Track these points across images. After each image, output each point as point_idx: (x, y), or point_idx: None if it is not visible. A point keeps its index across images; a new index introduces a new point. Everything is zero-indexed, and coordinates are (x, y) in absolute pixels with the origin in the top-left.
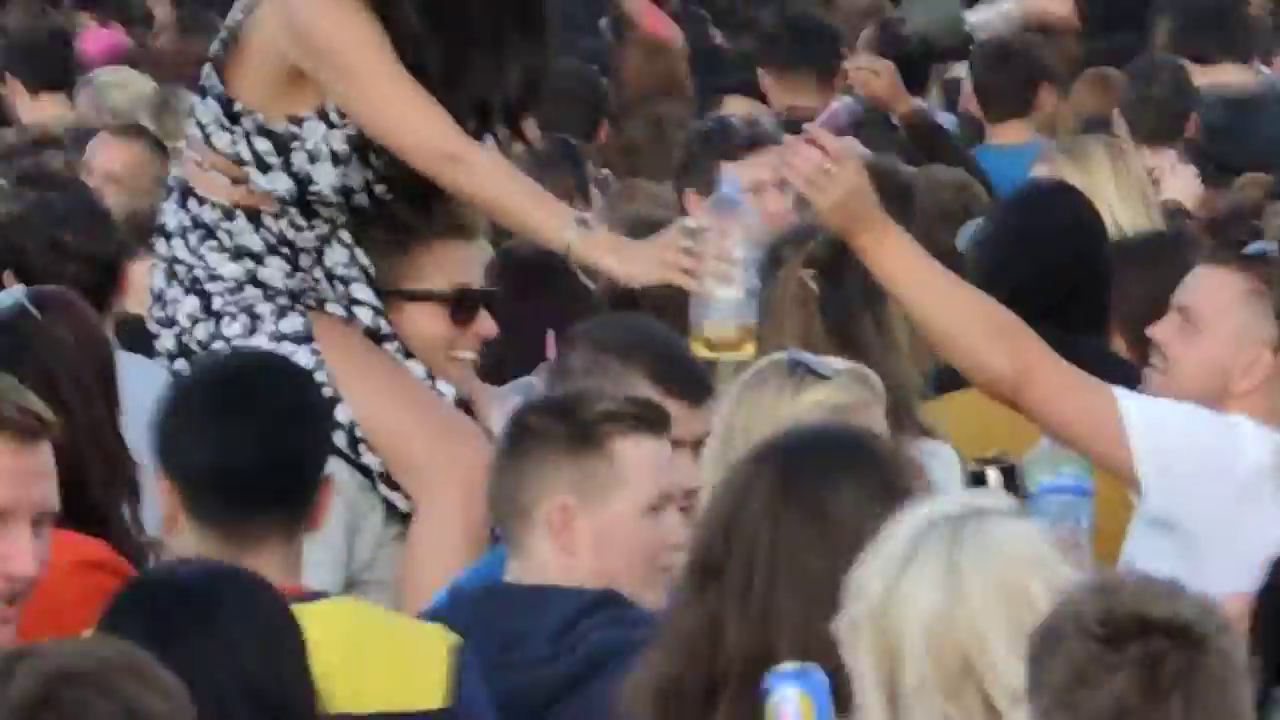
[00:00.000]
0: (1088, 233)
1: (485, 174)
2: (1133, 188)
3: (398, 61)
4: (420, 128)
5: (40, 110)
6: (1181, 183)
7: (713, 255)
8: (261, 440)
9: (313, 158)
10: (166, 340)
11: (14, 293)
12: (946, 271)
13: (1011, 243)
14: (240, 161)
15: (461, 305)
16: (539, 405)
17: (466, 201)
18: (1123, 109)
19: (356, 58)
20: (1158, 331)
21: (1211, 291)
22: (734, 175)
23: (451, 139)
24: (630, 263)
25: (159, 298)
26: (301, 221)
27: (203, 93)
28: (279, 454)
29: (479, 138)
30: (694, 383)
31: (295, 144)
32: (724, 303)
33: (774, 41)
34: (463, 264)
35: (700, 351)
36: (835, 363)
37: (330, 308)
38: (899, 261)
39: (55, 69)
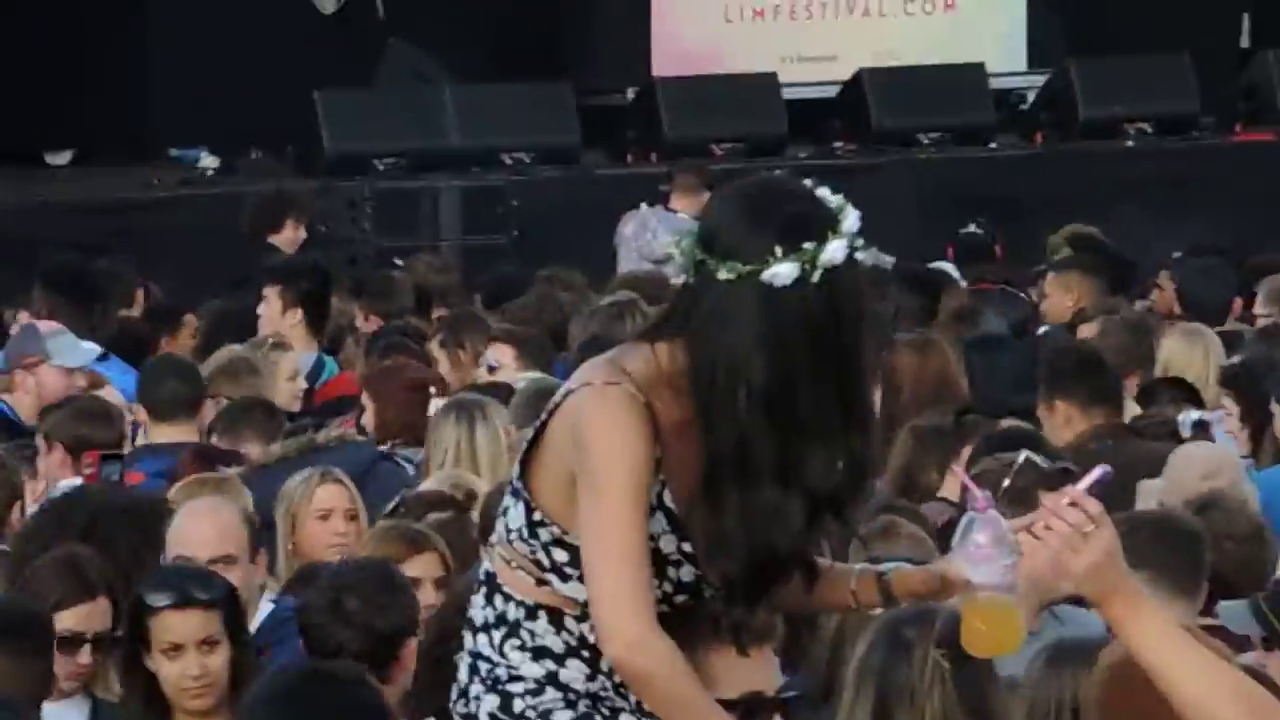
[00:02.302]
0: None
1: (659, 665)
2: None
3: (645, 510)
4: (616, 590)
5: None
6: None
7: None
8: None
9: None
10: None
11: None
12: (1199, 645)
13: None
14: (541, 567)
15: (752, 713)
16: None
17: (638, 682)
18: None
19: (605, 481)
20: None
21: None
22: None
23: (637, 620)
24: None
25: (463, 693)
26: None
27: (514, 492)
28: None
29: (809, 532)
30: None
31: None
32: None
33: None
34: (755, 669)
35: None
36: None
37: (625, 717)
38: (1150, 633)
39: None
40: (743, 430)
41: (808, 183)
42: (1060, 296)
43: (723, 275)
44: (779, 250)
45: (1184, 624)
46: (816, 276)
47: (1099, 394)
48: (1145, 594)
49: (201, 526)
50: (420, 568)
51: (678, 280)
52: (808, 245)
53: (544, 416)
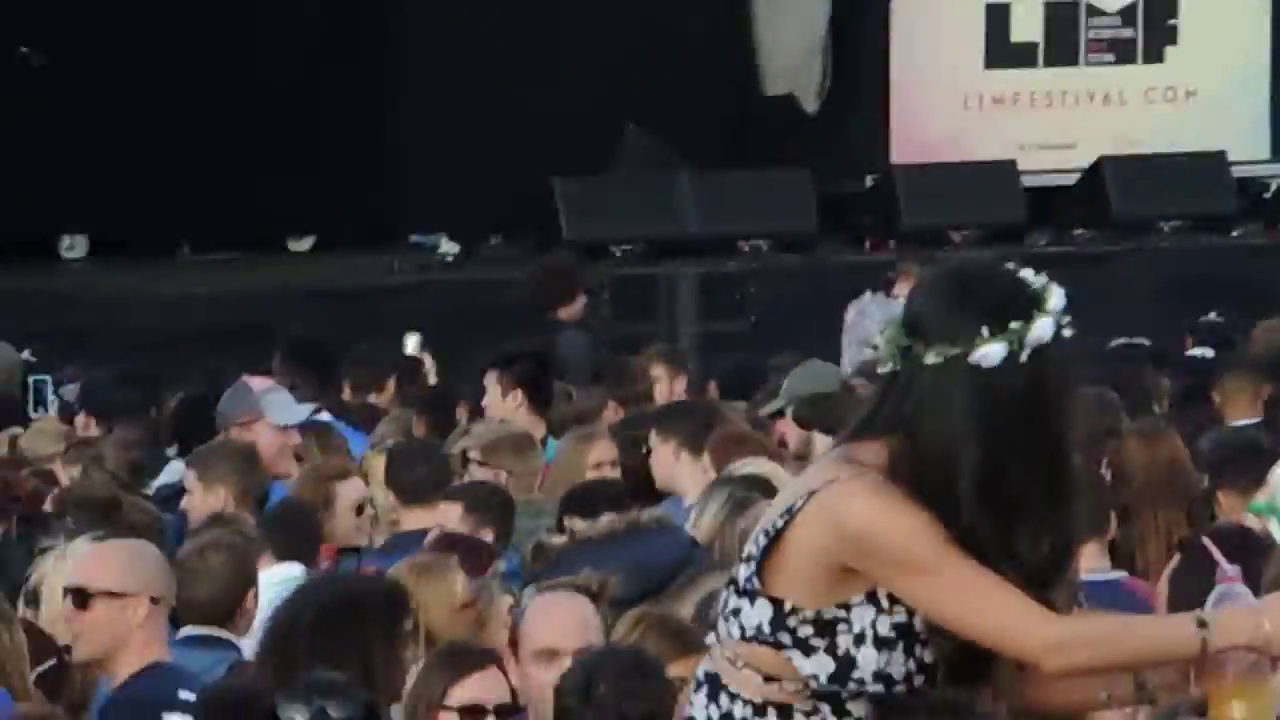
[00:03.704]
0: None
1: (1087, 643)
2: None
3: (962, 552)
4: (1017, 619)
5: None
6: None
7: None
8: None
9: (859, 640)
10: None
11: None
12: None
13: None
14: (780, 645)
15: None
16: None
17: (1081, 676)
18: None
19: (924, 554)
20: None
21: None
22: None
23: (1045, 626)
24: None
25: None
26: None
27: (747, 594)
28: None
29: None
30: None
31: (842, 627)
32: None
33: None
34: None
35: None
36: None
37: None
38: None
39: None
40: (965, 514)
41: (1010, 265)
42: None
43: (930, 360)
44: (986, 331)
45: None
46: (1025, 356)
47: None
48: None
49: (561, 616)
50: (685, 669)
51: (884, 369)
52: (1015, 325)
53: (779, 522)
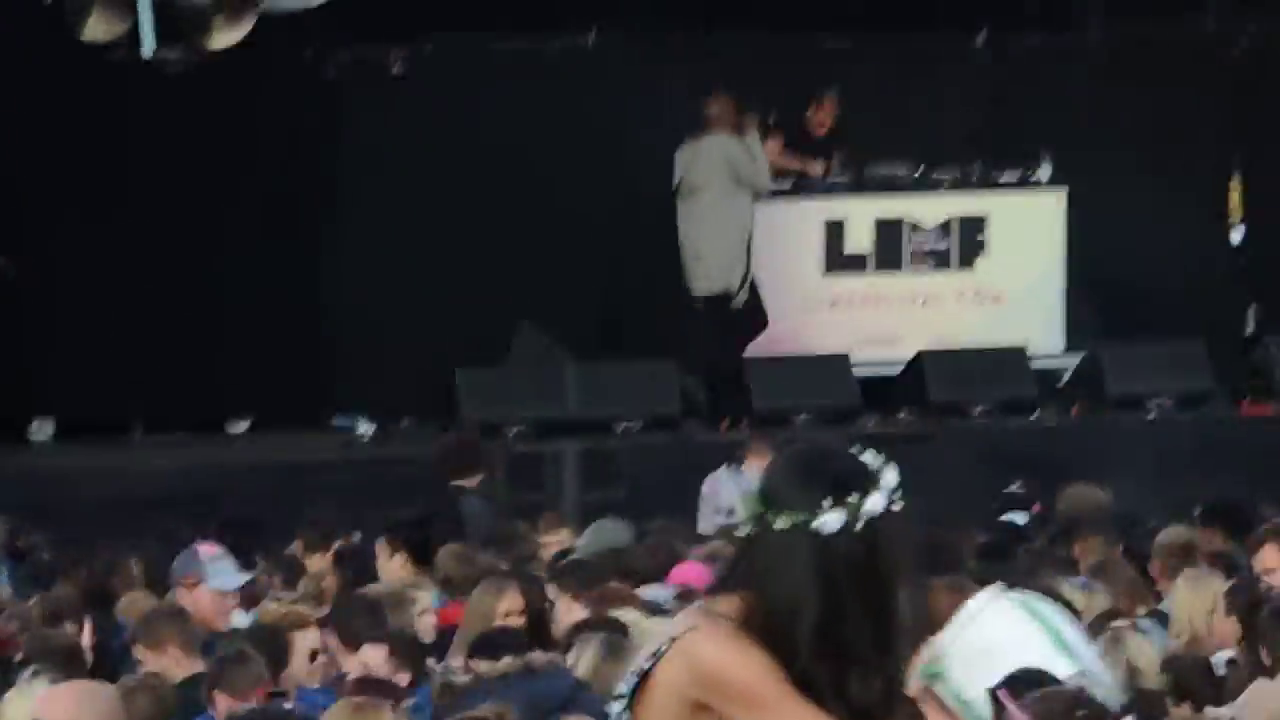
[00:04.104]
0: None
1: None
2: None
3: (798, 693)
4: None
5: None
6: None
7: None
8: None
9: None
10: None
11: None
12: None
13: None
14: None
15: None
16: None
17: None
18: None
19: (770, 697)
20: None
21: None
22: None
23: None
24: None
25: None
26: None
27: None
28: None
29: None
30: None
31: None
32: None
33: None
34: None
35: None
36: None
37: None
38: None
39: None
40: (803, 658)
41: (853, 448)
42: None
43: (779, 525)
44: (827, 503)
45: None
46: (860, 525)
47: None
48: None
49: None
50: None
51: (741, 533)
52: (852, 498)
53: (646, 664)
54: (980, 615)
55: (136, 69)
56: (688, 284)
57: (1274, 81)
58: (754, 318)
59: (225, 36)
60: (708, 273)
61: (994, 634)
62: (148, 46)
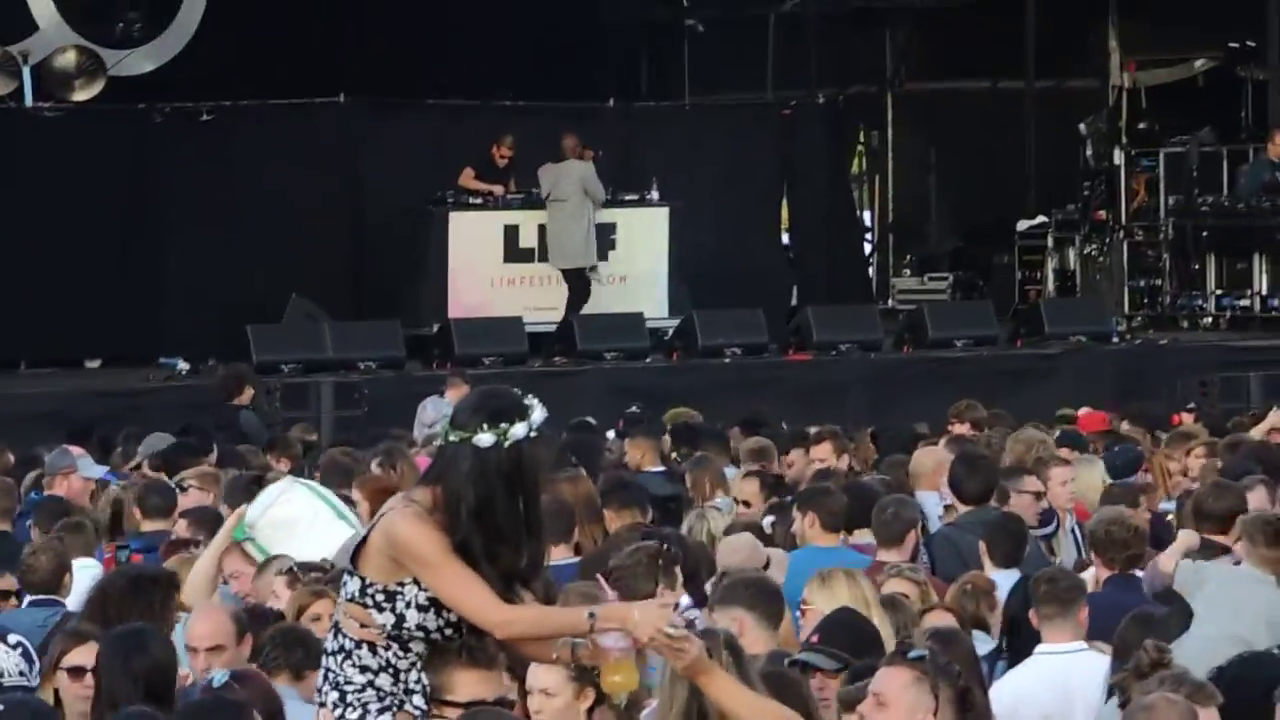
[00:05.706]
0: None
1: (519, 622)
2: None
3: (460, 560)
4: (478, 605)
5: None
6: None
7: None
8: None
9: (408, 605)
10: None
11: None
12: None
13: None
14: (365, 605)
15: (475, 714)
16: None
17: (517, 640)
18: None
19: (435, 559)
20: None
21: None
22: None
23: (496, 611)
24: (640, 625)
25: (318, 689)
26: (401, 653)
27: (348, 574)
28: None
29: (506, 593)
30: None
31: (399, 596)
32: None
33: None
34: (479, 685)
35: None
36: None
37: (408, 708)
38: (719, 688)
39: None
40: (465, 534)
41: (517, 391)
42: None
43: (453, 438)
44: (485, 427)
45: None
46: (506, 444)
47: None
48: (717, 667)
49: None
50: (325, 609)
51: (435, 444)
52: (503, 425)
53: (365, 531)
54: (281, 496)
55: (21, 114)
56: (551, 263)
57: (807, 133)
58: (586, 285)
59: (85, 92)
60: (566, 255)
61: (291, 510)
62: (29, 98)
